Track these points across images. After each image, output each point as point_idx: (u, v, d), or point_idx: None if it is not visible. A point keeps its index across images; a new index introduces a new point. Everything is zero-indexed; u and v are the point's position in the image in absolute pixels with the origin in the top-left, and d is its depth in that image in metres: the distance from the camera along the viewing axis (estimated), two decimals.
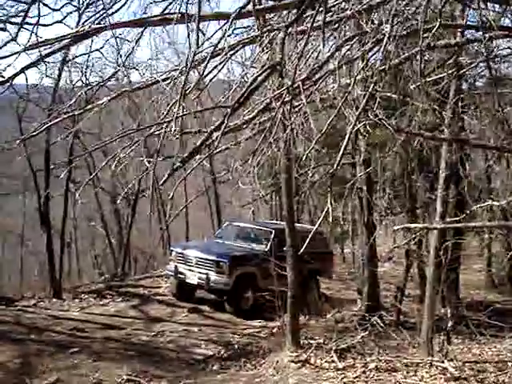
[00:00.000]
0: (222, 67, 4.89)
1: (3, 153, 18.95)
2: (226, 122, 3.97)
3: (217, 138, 4.10)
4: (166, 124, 4.41)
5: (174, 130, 4.39)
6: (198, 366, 9.80)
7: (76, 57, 17.72)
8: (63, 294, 15.91)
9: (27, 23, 7.40)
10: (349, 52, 5.86)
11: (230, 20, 4.03)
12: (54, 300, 14.91)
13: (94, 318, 12.39)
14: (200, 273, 13.62)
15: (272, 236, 14.64)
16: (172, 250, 15.10)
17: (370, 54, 5.71)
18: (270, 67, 4.15)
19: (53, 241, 17.93)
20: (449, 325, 8.76)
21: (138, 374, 8.95)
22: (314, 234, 15.46)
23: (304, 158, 7.70)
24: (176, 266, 14.14)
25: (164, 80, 5.71)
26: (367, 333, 9.36)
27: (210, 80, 5.21)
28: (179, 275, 14.06)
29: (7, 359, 9.14)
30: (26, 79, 12.32)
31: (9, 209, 28.49)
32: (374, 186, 12.41)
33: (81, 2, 12.72)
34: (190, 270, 13.88)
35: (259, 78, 4.24)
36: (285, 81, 4.33)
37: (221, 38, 4.27)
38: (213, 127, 4.14)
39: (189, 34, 4.08)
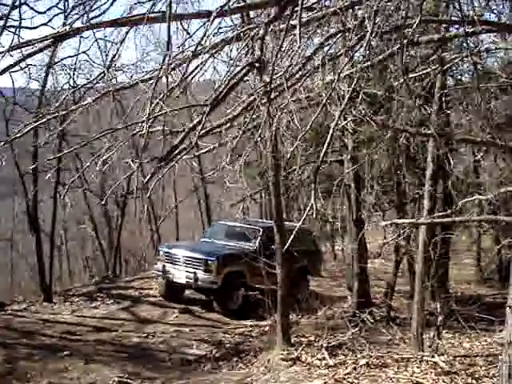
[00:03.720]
0: (203, 66, 4.85)
1: None
2: (203, 120, 3.95)
3: (195, 138, 4.08)
4: (145, 124, 4.38)
5: (157, 130, 4.36)
6: (189, 366, 9.82)
7: (62, 59, 17.69)
8: (54, 298, 15.82)
9: (11, 26, 7.36)
10: (333, 49, 5.86)
11: (212, 18, 4.02)
12: (45, 303, 14.83)
13: (85, 321, 12.35)
14: (188, 272, 13.53)
15: (260, 234, 14.68)
16: (159, 250, 15.03)
17: (354, 50, 5.69)
18: (248, 65, 4.13)
19: (42, 244, 17.85)
20: (439, 319, 8.78)
21: (130, 376, 8.97)
22: (302, 232, 15.52)
23: (291, 156, 7.72)
24: (164, 266, 14.07)
25: (148, 80, 5.68)
26: (358, 329, 9.40)
27: (191, 79, 5.18)
28: (167, 275, 13.99)
29: None
30: (13, 82, 12.29)
31: None
32: (362, 183, 12.42)
33: (66, 5, 12.71)
34: (177, 269, 13.80)
35: (238, 76, 4.23)
36: (264, 78, 4.32)
37: (202, 37, 4.25)
38: (190, 126, 4.13)
39: (169, 34, 4.07)
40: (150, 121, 4.31)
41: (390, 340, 9.57)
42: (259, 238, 14.58)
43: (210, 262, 13.40)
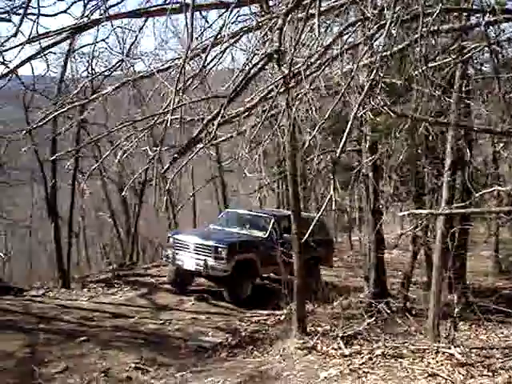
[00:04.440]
0: (222, 56, 4.84)
1: (11, 144, 19.07)
2: (222, 111, 3.95)
3: (214, 128, 4.08)
4: (164, 114, 4.38)
5: (176, 119, 4.36)
6: (205, 353, 9.85)
7: (81, 47, 17.80)
8: (72, 284, 16.03)
9: (31, 13, 7.41)
10: (352, 38, 5.82)
11: (230, 8, 4.00)
12: (63, 289, 15.03)
13: (102, 307, 12.46)
14: (198, 259, 13.43)
15: (272, 223, 14.62)
16: (170, 237, 14.78)
17: (374, 39, 5.64)
18: (267, 55, 4.12)
19: (61, 231, 18.02)
20: (455, 311, 8.75)
21: (146, 362, 9.04)
22: (302, 220, 15.36)
23: (309, 146, 7.70)
24: (173, 253, 13.98)
25: (166, 69, 5.69)
26: (374, 319, 9.38)
27: (210, 69, 5.17)
28: (177, 262, 13.92)
29: (16, 348, 9.23)
30: (33, 70, 12.35)
31: (17, 200, 28.59)
32: (380, 173, 12.35)
33: None
34: (187, 256, 13.69)
35: (256, 67, 4.21)
36: (282, 69, 4.29)
37: (222, 27, 4.24)
38: (209, 117, 4.13)
39: (187, 24, 4.06)
40: (170, 112, 4.30)
41: (405, 331, 9.55)
42: (270, 226, 14.54)
43: (220, 249, 13.29)
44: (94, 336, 10.10)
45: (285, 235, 13.88)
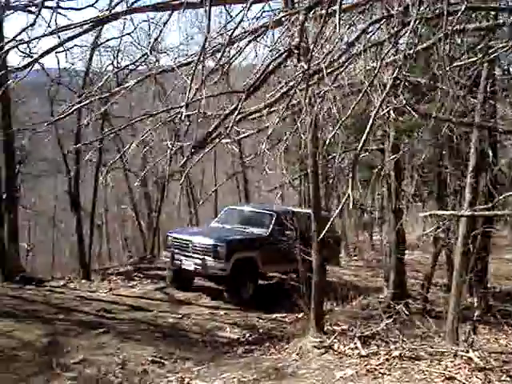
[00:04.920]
0: (243, 51, 4.81)
1: (35, 136, 19.29)
2: (239, 106, 3.93)
3: (233, 121, 4.06)
4: (183, 109, 4.37)
5: (196, 113, 4.35)
6: (222, 349, 9.87)
7: (107, 40, 17.93)
8: (92, 276, 16.15)
9: (59, 7, 7.49)
10: (376, 35, 5.76)
11: (249, 2, 3.98)
12: (83, 281, 15.16)
13: (121, 300, 12.54)
14: (197, 258, 13.01)
15: (273, 220, 14.19)
16: (168, 236, 14.35)
17: (398, 37, 5.58)
18: (287, 51, 4.09)
19: (83, 223, 18.18)
20: (475, 314, 8.65)
21: (163, 356, 9.07)
22: (321, 218, 15.22)
23: (331, 144, 7.65)
24: (172, 252, 13.54)
25: (188, 64, 5.69)
26: (392, 320, 9.30)
27: (230, 64, 5.15)
28: (175, 261, 13.47)
29: (35, 338, 9.32)
30: (58, 62, 12.49)
31: (41, 191, 28.93)
32: (402, 173, 12.25)
33: None
34: (186, 255, 13.24)
35: (275, 62, 4.19)
36: (301, 64, 4.26)
37: (240, 22, 4.22)
38: (227, 111, 4.11)
39: (210, 18, 4.05)
40: (187, 106, 4.29)
41: (424, 333, 9.44)
42: (272, 223, 14.12)
43: (219, 247, 12.83)
44: (112, 328, 10.17)
45: (287, 232, 13.50)
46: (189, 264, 13.11)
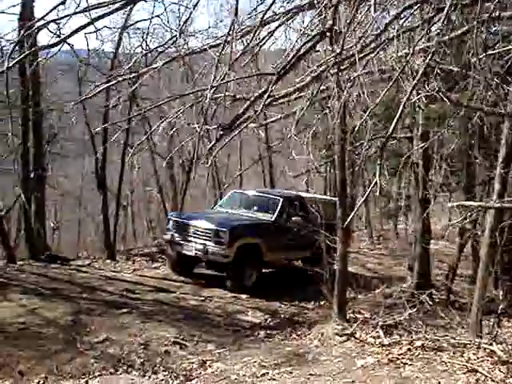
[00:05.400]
0: (273, 34, 4.76)
1: (64, 116, 19.44)
2: (270, 89, 3.88)
3: (262, 105, 4.02)
4: (208, 92, 4.33)
5: (224, 97, 4.31)
6: (243, 332, 9.90)
7: (136, 22, 17.95)
8: (117, 256, 16.33)
9: None
10: (409, 21, 5.65)
11: None
12: (108, 261, 15.33)
13: (145, 281, 12.64)
14: (197, 243, 12.43)
15: (279, 205, 13.74)
16: (169, 219, 13.82)
17: (431, 23, 5.47)
18: (319, 34, 4.02)
19: (109, 204, 18.33)
20: (500, 307, 8.54)
21: (185, 337, 9.12)
22: (330, 205, 14.99)
23: (359, 130, 7.57)
24: (173, 236, 13.02)
25: (217, 46, 5.63)
26: (415, 310, 9.23)
27: (260, 47, 5.09)
28: (176, 246, 12.94)
29: (59, 316, 9.44)
30: (87, 44, 12.54)
31: (68, 171, 29.18)
32: (430, 162, 12.09)
33: None
34: (187, 240, 12.68)
35: (307, 45, 4.12)
36: (334, 48, 4.19)
37: (271, 4, 4.16)
38: (256, 94, 4.06)
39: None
40: (214, 89, 4.25)
41: (447, 324, 9.37)
42: (278, 208, 13.66)
43: (221, 233, 12.25)
44: (135, 308, 10.26)
45: (294, 218, 13.47)
46: (189, 249, 12.59)
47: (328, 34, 3.92)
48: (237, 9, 4.05)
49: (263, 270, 13.55)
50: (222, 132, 4.10)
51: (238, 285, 12.38)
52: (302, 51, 4.09)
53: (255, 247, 12.81)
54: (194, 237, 12.59)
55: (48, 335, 8.62)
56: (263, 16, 4.26)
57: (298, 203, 14.35)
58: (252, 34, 4.42)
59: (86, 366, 7.66)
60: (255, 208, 14.04)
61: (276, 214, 13.54)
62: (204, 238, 12.41)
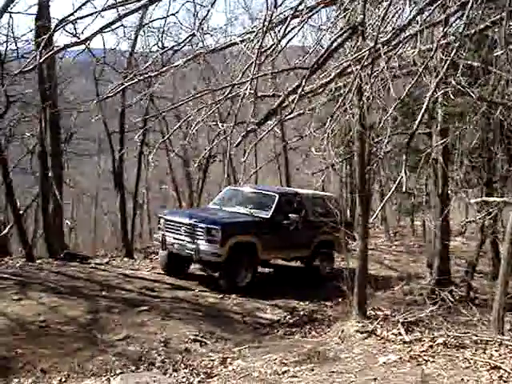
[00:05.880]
0: (300, 29, 4.74)
1: (80, 115, 19.54)
2: (303, 84, 3.85)
3: (293, 101, 4.00)
4: (239, 86, 4.32)
5: (249, 93, 4.30)
6: (262, 330, 9.90)
7: (152, 21, 18.01)
8: (134, 254, 16.37)
9: None
10: (431, 16, 5.59)
11: None
12: (126, 259, 15.38)
13: (163, 278, 12.66)
14: (189, 242, 11.94)
15: (275, 202, 13.06)
16: (160, 217, 13.20)
17: (453, 18, 5.42)
18: (350, 28, 3.99)
19: (126, 202, 18.40)
20: None
21: (205, 335, 9.15)
22: (328, 200, 14.69)
23: (379, 127, 7.52)
24: (164, 235, 12.45)
25: (239, 43, 5.61)
26: (436, 307, 9.17)
27: (287, 42, 5.08)
28: (167, 245, 12.38)
29: (79, 314, 9.49)
30: (104, 43, 12.62)
31: (84, 170, 29.36)
32: (450, 157, 11.98)
33: None
34: (178, 239, 12.19)
35: (339, 40, 4.10)
36: (366, 42, 4.15)
37: (300, 2, 4.13)
38: (289, 90, 4.04)
39: None
40: (247, 83, 4.22)
41: (468, 321, 9.31)
42: (274, 205, 12.98)
43: (213, 230, 11.72)
44: (154, 306, 10.29)
45: (291, 215, 12.90)
46: (181, 248, 12.10)
47: (360, 27, 3.88)
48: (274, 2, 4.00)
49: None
50: (253, 127, 4.07)
51: (232, 285, 11.93)
52: (333, 46, 4.05)
53: (250, 246, 12.29)
54: (186, 235, 12.10)
55: (69, 333, 8.67)
56: (295, 10, 4.23)
57: (295, 200, 13.66)
58: (285, 25, 4.39)
59: (107, 363, 7.71)
60: (250, 205, 13.38)
61: (272, 211, 12.91)
62: (195, 236, 11.92)
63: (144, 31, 18.28)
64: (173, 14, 15.77)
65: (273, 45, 4.54)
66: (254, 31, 5.92)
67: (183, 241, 12.07)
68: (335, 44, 4.08)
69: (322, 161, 12.66)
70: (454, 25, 5.97)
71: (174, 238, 12.25)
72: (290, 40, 5.02)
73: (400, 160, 12.44)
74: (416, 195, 16.00)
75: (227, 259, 11.78)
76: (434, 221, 12.19)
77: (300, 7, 4.42)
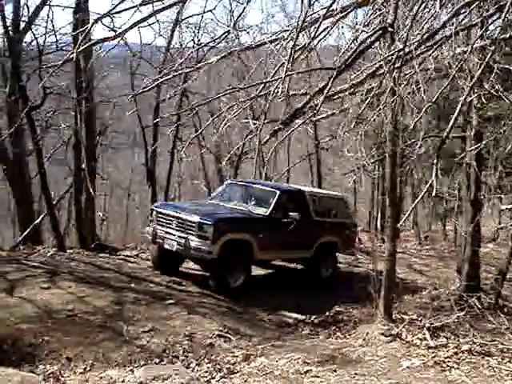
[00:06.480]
0: (332, 29, 4.71)
1: (115, 108, 19.76)
2: (330, 84, 3.84)
3: (320, 100, 3.99)
4: (272, 84, 4.32)
5: (281, 92, 4.30)
6: (287, 328, 9.90)
7: (189, 17, 18.15)
8: None
9: None
10: (467, 18, 5.53)
11: None
12: None
13: (190, 273, 12.71)
14: (180, 237, 11.24)
15: (275, 198, 12.31)
16: (152, 210, 12.55)
17: (490, 21, 5.35)
18: (380, 28, 3.96)
19: (157, 196, 18.56)
20: None
21: (229, 331, 9.17)
22: (336, 200, 14.29)
23: (412, 129, 7.46)
24: (154, 229, 11.89)
25: (273, 41, 5.62)
26: (463, 313, 9.06)
27: (319, 41, 5.07)
28: (157, 240, 11.76)
29: (106, 304, 9.59)
30: (140, 38, 12.78)
31: (118, 163, 29.67)
32: (484, 162, 11.80)
33: None
34: (169, 233, 11.53)
35: (368, 41, 4.07)
36: (396, 43, 4.11)
37: (333, 2, 4.11)
38: (316, 89, 4.03)
39: None
40: (273, 80, 4.24)
41: (495, 329, 9.17)
42: (273, 202, 12.23)
43: (205, 226, 10.94)
44: (180, 300, 10.34)
45: (291, 214, 12.12)
46: (171, 244, 11.43)
47: (390, 28, 3.83)
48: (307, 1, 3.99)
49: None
50: (280, 126, 4.08)
51: (222, 285, 11.25)
52: (362, 46, 4.03)
53: (245, 244, 11.54)
54: (177, 230, 11.41)
55: (95, 323, 8.77)
56: (328, 9, 4.21)
57: (298, 197, 13.02)
58: (314, 28, 4.38)
59: (131, 354, 7.79)
60: (250, 201, 12.63)
61: (271, 208, 12.15)
62: (187, 231, 11.22)
63: (181, 27, 18.46)
64: (210, 11, 15.93)
65: (305, 44, 4.53)
66: (288, 30, 5.93)
67: (174, 235, 11.43)
68: (364, 45, 4.04)
69: (353, 161, 12.59)
70: (490, 28, 5.87)
71: (165, 232, 11.63)
72: (321, 39, 4.99)
73: (439, 164, 12.29)
74: (448, 200, 15.81)
75: (219, 257, 11.04)
76: (464, 226, 12.03)
77: (333, 6, 4.40)
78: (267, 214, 12.08)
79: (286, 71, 4.08)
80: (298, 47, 4.52)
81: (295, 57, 4.53)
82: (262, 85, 5.85)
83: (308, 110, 4.46)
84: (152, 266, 12.54)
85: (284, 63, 4.39)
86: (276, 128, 4.08)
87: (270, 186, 13.54)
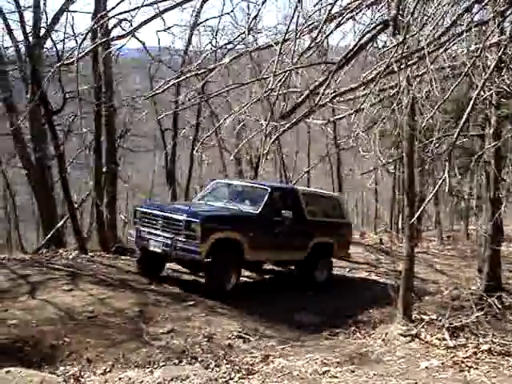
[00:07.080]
0: (336, 28, 4.71)
1: (135, 112, 19.92)
2: (329, 78, 3.84)
3: (322, 94, 3.99)
4: (275, 80, 4.34)
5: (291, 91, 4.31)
6: (306, 329, 9.88)
7: (206, 20, 18.25)
8: None
9: None
10: (480, 14, 5.49)
11: None
12: None
13: None
14: (166, 238, 10.71)
15: (266, 196, 11.75)
16: (136, 210, 11.93)
17: (504, 16, 5.30)
18: (381, 23, 3.95)
19: (178, 198, 18.66)
20: None
21: (248, 332, 9.19)
22: (330, 200, 13.94)
23: (428, 128, 7.41)
24: (138, 230, 11.36)
25: (275, 44, 5.64)
26: (483, 313, 8.98)
27: (324, 39, 5.06)
28: (142, 242, 11.23)
29: (127, 306, 9.65)
30: (159, 41, 12.91)
31: (139, 165, 29.83)
32: (503, 161, 11.68)
33: None
34: (154, 234, 11.01)
35: (368, 35, 4.07)
36: (397, 37, 4.09)
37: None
38: (316, 83, 4.04)
39: None
40: (277, 77, 4.26)
41: None
42: (264, 200, 11.65)
43: (192, 224, 10.37)
44: (200, 301, 10.37)
45: (283, 212, 11.56)
46: (156, 245, 10.90)
47: (391, 22, 3.81)
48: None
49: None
50: (282, 118, 4.10)
51: (219, 288, 10.78)
52: (362, 41, 4.02)
53: (234, 243, 10.94)
54: (163, 230, 10.88)
55: (115, 324, 8.85)
56: (331, 9, 4.22)
57: (290, 196, 12.54)
58: (319, 28, 4.39)
59: (151, 355, 7.84)
60: (240, 199, 12.08)
61: (262, 207, 11.58)
62: (172, 231, 10.70)
63: (199, 30, 18.57)
64: (227, 13, 16.02)
65: (310, 45, 4.54)
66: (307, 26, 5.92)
67: (159, 236, 10.89)
68: (364, 39, 4.04)
69: (372, 162, 12.54)
70: (504, 23, 5.80)
71: (150, 234, 11.10)
72: (327, 36, 4.98)
73: (453, 162, 12.19)
74: (468, 199, 15.68)
75: (208, 257, 10.48)
76: (484, 225, 11.91)
77: (335, 9, 4.41)
78: (258, 212, 11.52)
79: (278, 68, 4.11)
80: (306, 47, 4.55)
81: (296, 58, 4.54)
82: (272, 76, 5.80)
83: (316, 105, 4.46)
84: (137, 268, 11.94)
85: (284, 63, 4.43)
86: (283, 129, 4.09)
87: (260, 183, 13.17)
